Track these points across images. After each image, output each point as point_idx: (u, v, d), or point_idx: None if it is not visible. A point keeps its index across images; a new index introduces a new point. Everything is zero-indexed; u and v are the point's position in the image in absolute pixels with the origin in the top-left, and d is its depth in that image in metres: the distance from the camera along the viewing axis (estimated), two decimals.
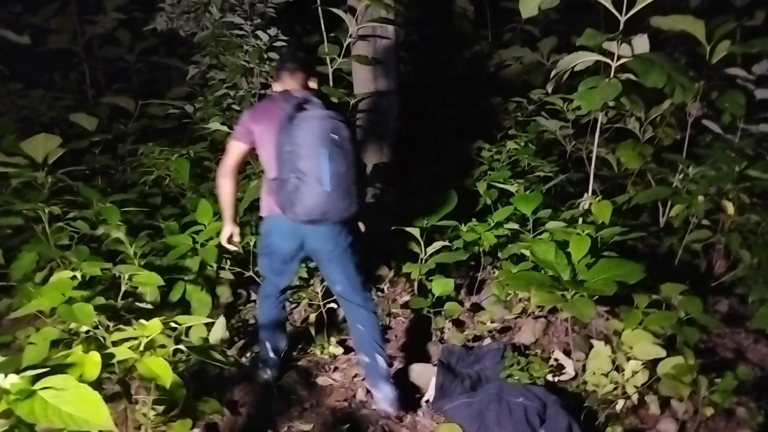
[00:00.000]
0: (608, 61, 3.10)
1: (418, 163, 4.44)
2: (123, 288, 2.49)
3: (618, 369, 2.62)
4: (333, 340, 3.14)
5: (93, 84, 5.74)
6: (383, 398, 2.71)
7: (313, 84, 2.64)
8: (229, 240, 2.81)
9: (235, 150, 2.62)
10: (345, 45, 3.91)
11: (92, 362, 1.78)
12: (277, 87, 2.65)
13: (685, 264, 3.70)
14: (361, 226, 2.81)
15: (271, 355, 2.87)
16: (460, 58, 5.67)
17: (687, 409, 2.60)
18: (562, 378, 2.86)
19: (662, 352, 2.58)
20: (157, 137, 4.52)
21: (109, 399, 2.52)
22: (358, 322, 2.73)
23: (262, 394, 2.81)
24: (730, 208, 3.46)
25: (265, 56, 3.99)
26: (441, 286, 3.30)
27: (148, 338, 2.14)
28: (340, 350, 3.09)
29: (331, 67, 3.96)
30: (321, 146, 2.37)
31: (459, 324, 3.34)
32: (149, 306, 2.53)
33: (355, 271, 2.69)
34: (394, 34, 4.10)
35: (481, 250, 3.40)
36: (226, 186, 2.67)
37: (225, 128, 3.57)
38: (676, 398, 2.67)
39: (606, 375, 2.62)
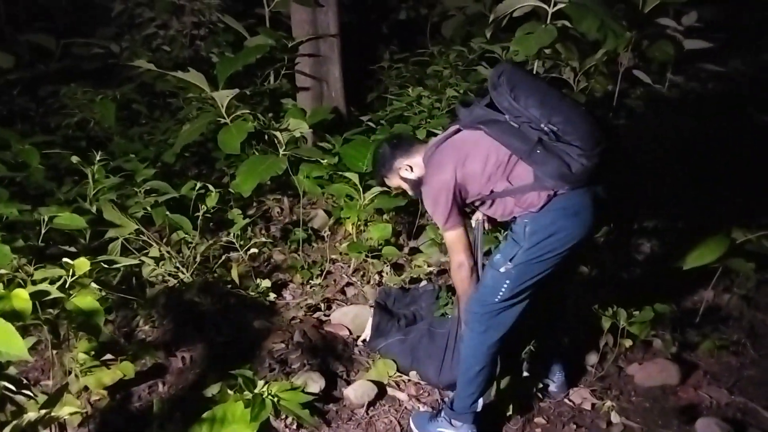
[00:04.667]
0: (545, 6, 3.12)
1: (360, 110, 4.39)
2: (43, 231, 2.37)
3: None
4: (264, 284, 3.12)
5: (11, 21, 5.28)
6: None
7: None
8: None
9: None
10: None
11: (21, 299, 1.71)
12: None
13: None
14: None
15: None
16: (403, 5, 5.57)
17: (608, 340, 2.76)
18: None
19: None
20: (82, 79, 4.24)
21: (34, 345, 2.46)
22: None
23: (200, 338, 2.79)
24: None
25: None
26: (379, 230, 3.32)
27: (74, 278, 2.07)
28: (273, 295, 3.08)
29: (269, 8, 3.81)
30: None
31: (397, 267, 3.39)
32: (73, 249, 2.43)
33: None
34: None
35: None
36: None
37: (153, 67, 3.40)
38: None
39: None
